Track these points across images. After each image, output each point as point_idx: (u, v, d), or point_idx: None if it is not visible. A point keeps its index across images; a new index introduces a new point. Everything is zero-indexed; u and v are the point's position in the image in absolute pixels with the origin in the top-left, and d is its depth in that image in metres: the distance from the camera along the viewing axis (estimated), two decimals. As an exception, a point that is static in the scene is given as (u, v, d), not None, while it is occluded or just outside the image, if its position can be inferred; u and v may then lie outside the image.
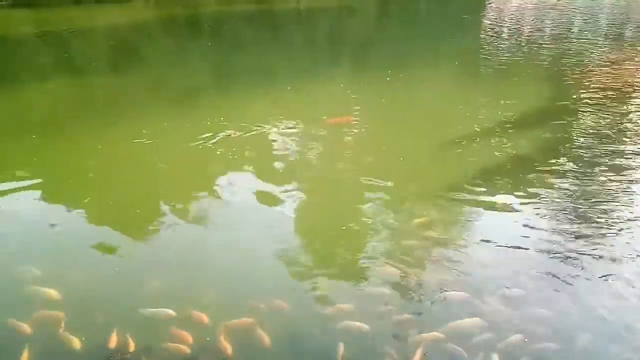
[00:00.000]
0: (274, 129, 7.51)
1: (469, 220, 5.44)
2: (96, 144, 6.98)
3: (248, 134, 7.24)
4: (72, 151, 6.98)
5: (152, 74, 10.89)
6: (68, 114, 8.42)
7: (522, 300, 4.12)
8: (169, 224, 5.30)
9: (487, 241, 4.91)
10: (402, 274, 4.39)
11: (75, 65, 11.96)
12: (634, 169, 6.34)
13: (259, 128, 7.46)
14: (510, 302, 4.07)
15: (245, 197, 5.84)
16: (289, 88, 9.71)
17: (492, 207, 5.56)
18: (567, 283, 4.28)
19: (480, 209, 5.54)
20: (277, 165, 6.49)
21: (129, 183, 6.16)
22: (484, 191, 5.79)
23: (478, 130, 7.49)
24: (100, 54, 13.26)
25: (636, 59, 12.28)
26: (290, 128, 7.55)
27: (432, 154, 6.85)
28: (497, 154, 6.77)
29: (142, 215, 5.52)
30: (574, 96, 9.26)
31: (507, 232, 5.08)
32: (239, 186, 6.09)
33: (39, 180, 6.17)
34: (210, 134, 7.16)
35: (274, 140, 7.17)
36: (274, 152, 6.80)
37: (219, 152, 6.70)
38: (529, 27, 17.83)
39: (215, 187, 6.03)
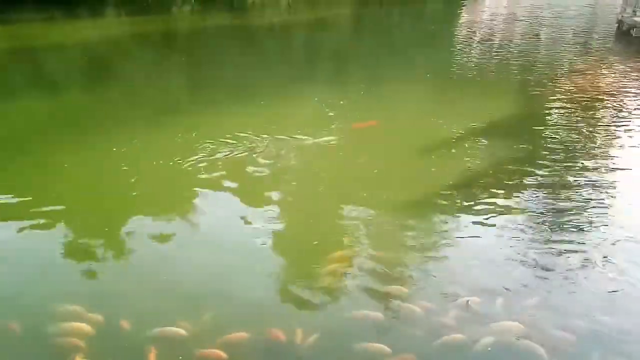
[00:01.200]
0: (249, 145, 7.41)
1: (442, 230, 5.41)
2: (63, 162, 6.80)
3: (223, 151, 7.16)
4: (39, 169, 6.78)
5: (126, 90, 10.70)
6: (36, 132, 8.19)
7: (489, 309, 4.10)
8: (135, 243, 5.16)
9: (461, 249, 4.94)
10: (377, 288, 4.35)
11: (47, 81, 11.72)
12: (603, 173, 6.44)
13: (233, 144, 7.38)
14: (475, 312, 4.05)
15: (217, 214, 5.72)
16: (262, 102, 9.63)
17: (465, 214, 5.54)
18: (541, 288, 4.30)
19: (453, 217, 5.52)
20: (250, 181, 6.37)
21: (96, 202, 5.98)
22: (457, 200, 5.79)
23: (451, 140, 7.52)
24: (73, 70, 13.04)
25: (602, 68, 12.57)
26: (264, 143, 7.45)
27: (406, 165, 6.84)
28: (470, 163, 6.80)
29: (110, 234, 5.37)
30: (543, 105, 9.44)
31: (480, 241, 5.08)
32: (211, 204, 5.95)
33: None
34: (183, 150, 7.05)
35: (249, 157, 7.06)
36: (248, 169, 6.67)
37: (190, 169, 6.55)
38: (499, 37, 18.14)
39: (187, 205, 5.90)
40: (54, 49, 15.12)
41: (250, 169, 6.63)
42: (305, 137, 7.71)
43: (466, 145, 7.44)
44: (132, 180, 6.38)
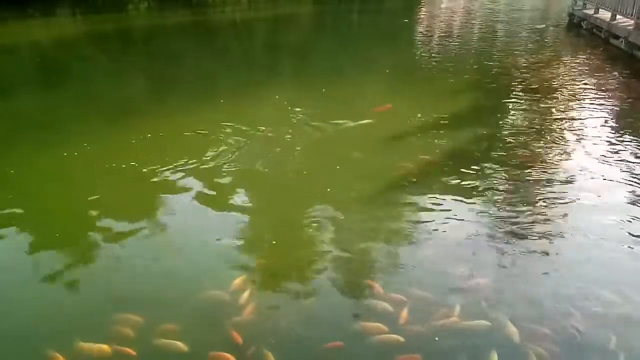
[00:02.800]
0: (207, 145, 7.22)
1: (405, 221, 5.34)
2: (9, 168, 6.45)
3: (179, 152, 6.94)
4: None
5: (79, 92, 10.26)
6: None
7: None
8: (91, 251, 4.91)
9: (426, 239, 4.92)
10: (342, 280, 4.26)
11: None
12: (557, 162, 6.52)
13: (190, 144, 7.19)
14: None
15: (176, 217, 5.47)
16: (222, 101, 9.42)
17: (426, 206, 5.48)
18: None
19: (415, 210, 5.45)
20: (209, 182, 6.12)
21: (44, 211, 5.67)
22: (418, 191, 5.75)
23: (411, 132, 7.49)
24: (23, 71, 12.48)
25: (554, 60, 12.86)
26: (222, 142, 7.26)
27: (367, 160, 6.74)
28: (430, 154, 6.78)
29: (62, 240, 5.10)
30: (500, 96, 9.57)
31: (442, 229, 5.03)
32: (168, 206, 5.71)
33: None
34: (138, 152, 6.80)
35: (206, 157, 6.86)
36: (206, 169, 6.44)
37: (145, 171, 6.29)
38: (457, 32, 18.36)
39: (142, 208, 5.65)
40: (4, 50, 14.46)
41: (208, 169, 6.40)
42: (267, 134, 7.57)
43: (426, 137, 7.41)
44: (84, 185, 6.10)
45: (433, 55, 14.30)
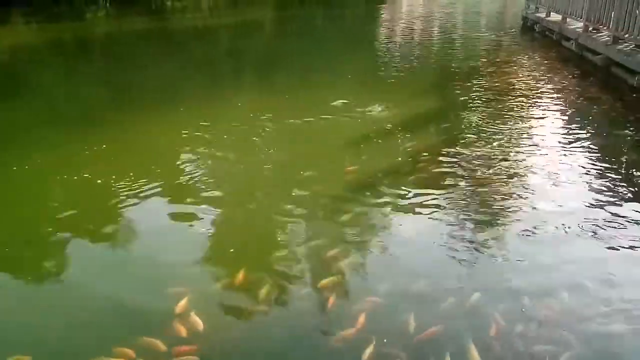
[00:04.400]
0: (167, 154, 7.05)
1: (372, 220, 5.29)
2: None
3: (137, 162, 6.73)
4: None
5: (31, 102, 9.84)
6: None
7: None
8: (45, 265, 4.67)
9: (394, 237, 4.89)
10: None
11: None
12: (520, 160, 6.63)
13: (148, 154, 6.99)
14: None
15: (131, 229, 5.28)
16: (181, 109, 9.20)
17: (394, 205, 5.44)
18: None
19: (382, 207, 5.41)
20: (169, 191, 5.92)
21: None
22: (385, 188, 5.73)
23: (374, 135, 7.50)
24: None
25: (510, 62, 13.15)
26: (182, 151, 7.08)
27: (332, 163, 6.67)
28: (395, 153, 6.79)
29: (16, 255, 4.82)
30: (460, 97, 9.68)
31: (411, 228, 5.01)
32: (125, 218, 5.48)
33: None
34: (93, 163, 6.54)
35: (165, 167, 6.68)
36: (163, 179, 6.24)
37: (99, 182, 6.05)
38: (418, 35, 18.60)
39: (98, 221, 5.38)
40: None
41: (164, 179, 6.20)
42: (227, 142, 7.43)
43: (390, 138, 7.43)
44: (33, 200, 5.82)
45: (395, 59, 14.42)
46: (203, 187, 5.99)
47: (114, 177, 6.11)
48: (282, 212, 5.32)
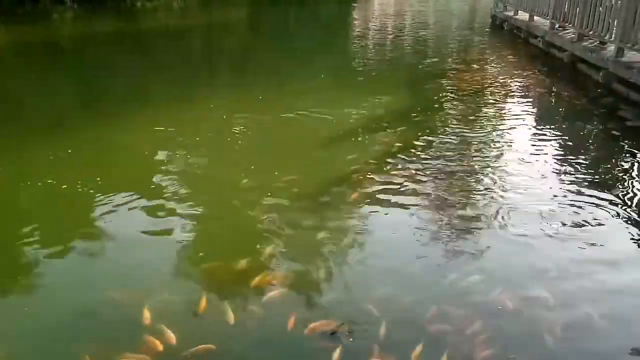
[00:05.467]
0: (134, 159, 6.85)
1: (342, 218, 5.22)
2: None
3: (104, 167, 6.52)
4: None
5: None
6: None
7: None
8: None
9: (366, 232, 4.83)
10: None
11: None
12: (490, 154, 6.70)
13: (120, 159, 6.80)
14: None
15: (106, 238, 5.09)
16: (151, 112, 8.97)
17: (368, 199, 5.42)
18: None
19: (356, 202, 5.37)
20: (136, 194, 5.71)
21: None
22: (356, 185, 5.69)
23: (348, 132, 7.46)
24: None
25: (479, 60, 13.27)
26: (151, 155, 6.88)
27: (306, 157, 6.59)
28: (367, 150, 6.77)
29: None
30: (432, 96, 9.71)
31: (381, 222, 4.98)
32: (97, 225, 5.29)
33: None
34: (57, 170, 6.31)
35: (135, 171, 6.49)
36: (129, 183, 6.06)
37: (64, 187, 5.84)
38: (389, 35, 18.64)
39: (56, 235, 5.21)
40: None
41: (134, 184, 6.02)
42: (198, 144, 7.28)
43: (363, 136, 7.42)
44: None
45: (367, 58, 14.41)
46: (171, 193, 5.80)
47: (79, 182, 5.89)
48: (249, 219, 5.18)
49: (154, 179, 6.08)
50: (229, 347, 3.52)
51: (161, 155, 6.87)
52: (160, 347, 3.46)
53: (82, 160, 6.72)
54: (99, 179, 6.00)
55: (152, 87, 11.09)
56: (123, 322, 3.78)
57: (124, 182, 6.06)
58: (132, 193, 5.67)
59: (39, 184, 5.92)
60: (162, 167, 6.45)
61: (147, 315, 3.74)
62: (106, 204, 5.45)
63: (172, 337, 3.54)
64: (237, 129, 7.98)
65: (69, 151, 6.89)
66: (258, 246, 4.65)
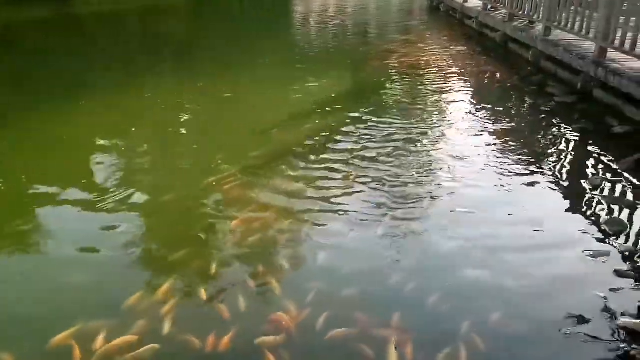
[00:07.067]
0: (76, 151, 6.49)
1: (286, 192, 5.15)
2: None
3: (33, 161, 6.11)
4: None
5: None
6: None
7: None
8: None
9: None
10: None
11: None
12: (430, 127, 6.85)
13: (53, 151, 6.40)
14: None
15: (41, 234, 4.78)
16: (83, 102, 8.47)
17: (304, 180, 5.39)
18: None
19: (301, 184, 5.25)
20: (81, 188, 5.44)
21: None
22: (303, 166, 5.66)
23: (292, 116, 7.38)
24: None
25: (418, 42, 13.40)
26: (83, 148, 6.54)
27: (252, 143, 6.44)
28: (312, 131, 6.71)
29: None
30: (375, 77, 9.77)
31: (318, 205, 4.87)
32: (31, 221, 4.97)
33: None
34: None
35: (80, 164, 6.14)
36: (58, 179, 5.73)
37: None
38: (333, 20, 18.49)
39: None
40: None
41: (66, 178, 5.70)
42: (137, 134, 6.97)
43: (303, 118, 7.33)
44: None
45: (310, 43, 14.27)
46: (110, 184, 5.53)
47: (12, 177, 5.51)
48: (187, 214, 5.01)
49: (92, 171, 5.81)
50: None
51: (98, 145, 6.57)
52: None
53: (15, 154, 6.30)
54: (32, 173, 5.65)
55: (88, 76, 10.52)
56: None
57: (60, 174, 5.73)
58: (69, 185, 5.39)
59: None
60: (100, 158, 6.16)
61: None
62: (38, 198, 5.14)
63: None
64: (177, 116, 7.70)
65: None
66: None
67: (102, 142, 6.67)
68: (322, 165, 5.73)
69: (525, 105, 8.02)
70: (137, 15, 19.77)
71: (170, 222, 4.84)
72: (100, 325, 3.41)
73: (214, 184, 5.32)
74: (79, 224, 4.78)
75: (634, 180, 5.25)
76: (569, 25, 8.66)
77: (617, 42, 7.28)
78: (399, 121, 7.19)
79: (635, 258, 4.03)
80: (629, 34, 6.98)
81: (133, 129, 7.25)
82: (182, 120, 7.66)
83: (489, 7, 13.04)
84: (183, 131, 7.22)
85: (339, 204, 4.93)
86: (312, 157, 5.96)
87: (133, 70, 11.07)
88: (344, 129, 6.85)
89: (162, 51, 13.53)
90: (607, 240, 4.27)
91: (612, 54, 7.55)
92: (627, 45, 7.01)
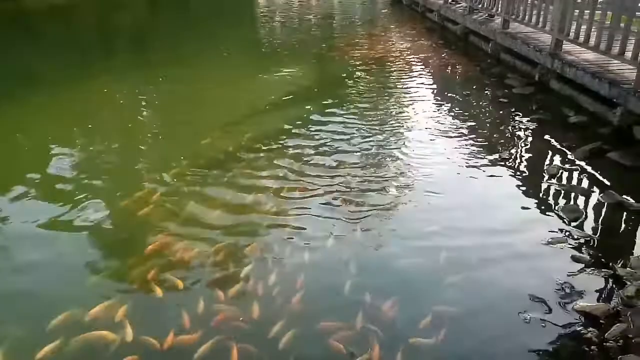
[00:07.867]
0: (33, 148, 6.18)
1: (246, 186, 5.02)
2: None
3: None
4: None
5: None
6: None
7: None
8: None
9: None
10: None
11: None
12: (390, 123, 6.79)
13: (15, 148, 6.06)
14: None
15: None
16: (41, 97, 8.06)
17: (265, 170, 5.31)
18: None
19: (264, 179, 5.13)
20: (39, 185, 5.17)
21: None
22: (263, 160, 5.45)
23: (253, 110, 7.23)
24: None
25: (382, 34, 13.43)
26: (36, 148, 6.22)
27: (201, 142, 6.21)
28: (276, 124, 6.58)
29: None
30: (339, 68, 9.70)
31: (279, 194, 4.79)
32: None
33: None
34: None
35: (37, 161, 5.83)
36: (36, 175, 5.43)
37: None
38: (297, 13, 18.32)
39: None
40: None
41: (27, 173, 5.41)
42: (90, 131, 6.68)
43: (266, 111, 7.22)
44: None
45: (274, 36, 14.12)
46: (69, 180, 5.27)
47: None
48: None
49: (49, 168, 5.53)
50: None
51: (56, 142, 6.24)
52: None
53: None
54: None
55: (44, 71, 10.02)
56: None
57: (16, 172, 5.44)
58: (26, 183, 5.12)
59: None
60: (58, 155, 5.87)
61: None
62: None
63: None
64: (137, 109, 7.43)
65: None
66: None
67: (61, 137, 6.35)
68: (281, 160, 5.61)
69: (485, 96, 8.12)
70: (92, 7, 19.07)
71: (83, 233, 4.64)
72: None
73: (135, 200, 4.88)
74: (32, 219, 4.53)
75: (589, 169, 5.37)
76: (527, 18, 8.81)
77: (572, 35, 7.43)
78: (358, 115, 7.12)
79: (591, 244, 4.11)
80: (583, 27, 7.14)
81: (90, 125, 6.93)
82: (144, 113, 7.40)
83: (450, 0, 13.15)
84: (145, 125, 6.97)
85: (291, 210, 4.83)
86: (274, 147, 5.86)
87: (91, 64, 10.59)
88: (300, 123, 6.73)
89: (121, 44, 13.09)
90: (563, 226, 4.33)
91: (567, 46, 7.71)
92: (581, 38, 7.17)
